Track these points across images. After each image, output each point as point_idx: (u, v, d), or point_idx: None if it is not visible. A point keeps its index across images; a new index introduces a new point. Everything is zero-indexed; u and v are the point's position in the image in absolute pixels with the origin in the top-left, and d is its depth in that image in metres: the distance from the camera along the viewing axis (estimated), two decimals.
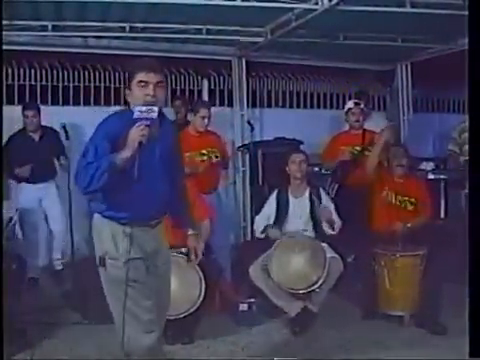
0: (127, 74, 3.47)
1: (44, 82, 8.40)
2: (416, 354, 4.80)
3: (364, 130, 7.02)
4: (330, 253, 5.46)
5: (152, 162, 3.40)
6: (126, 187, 3.29)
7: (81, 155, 3.38)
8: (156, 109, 3.22)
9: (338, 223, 5.78)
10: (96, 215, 3.57)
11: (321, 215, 5.73)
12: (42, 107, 7.25)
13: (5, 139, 6.71)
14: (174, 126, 3.73)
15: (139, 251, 3.47)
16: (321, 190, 5.96)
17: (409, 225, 5.75)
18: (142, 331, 3.47)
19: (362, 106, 7.15)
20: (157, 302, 3.61)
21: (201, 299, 5.03)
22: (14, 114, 7.22)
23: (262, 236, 5.83)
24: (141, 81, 3.32)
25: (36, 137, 7.08)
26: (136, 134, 3.16)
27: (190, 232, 4.03)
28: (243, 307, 5.61)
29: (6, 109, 7.40)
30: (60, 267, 7.25)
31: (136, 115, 3.21)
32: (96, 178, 3.20)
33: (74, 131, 7.25)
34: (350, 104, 7.15)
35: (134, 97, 3.37)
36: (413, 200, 5.93)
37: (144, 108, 3.21)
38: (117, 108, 7.47)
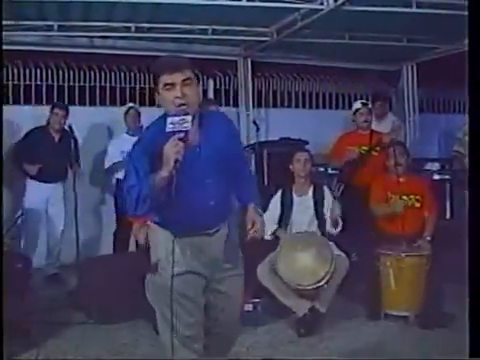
0: (152, 78, 3.24)
1: (50, 82, 8.41)
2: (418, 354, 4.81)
3: (372, 130, 7.01)
4: (336, 251, 5.45)
5: (199, 169, 3.19)
6: (175, 200, 3.02)
7: (123, 177, 3.28)
8: (189, 118, 2.97)
9: (340, 223, 5.78)
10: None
11: (330, 214, 5.70)
12: (47, 107, 7.26)
13: (5, 137, 6.74)
14: (222, 117, 3.50)
15: (194, 262, 3.32)
16: (325, 188, 5.95)
17: (428, 238, 5.77)
18: (181, 345, 3.34)
19: (370, 106, 7.15)
20: (221, 314, 3.53)
21: None
22: (21, 114, 7.25)
23: (269, 237, 5.80)
24: (166, 84, 3.10)
25: (56, 137, 7.12)
26: (170, 152, 2.91)
27: (251, 205, 3.55)
28: (248, 307, 5.60)
29: (12, 109, 7.48)
30: (54, 271, 7.23)
31: (168, 128, 2.99)
32: (140, 203, 3.07)
33: (80, 131, 7.28)
34: (358, 104, 7.13)
35: (164, 101, 3.15)
36: (419, 197, 5.92)
37: (176, 119, 2.98)
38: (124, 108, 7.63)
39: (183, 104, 3.04)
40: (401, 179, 5.91)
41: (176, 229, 3.25)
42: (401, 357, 4.79)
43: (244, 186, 3.53)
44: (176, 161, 2.90)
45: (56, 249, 7.24)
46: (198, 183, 3.20)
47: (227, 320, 3.61)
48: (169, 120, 3.00)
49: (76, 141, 7.01)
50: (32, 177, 7.01)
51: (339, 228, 5.69)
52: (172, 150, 2.91)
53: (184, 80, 3.09)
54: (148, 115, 7.73)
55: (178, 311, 3.29)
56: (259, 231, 3.38)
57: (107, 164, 7.53)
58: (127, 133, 7.55)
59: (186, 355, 3.36)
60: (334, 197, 5.93)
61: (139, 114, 7.55)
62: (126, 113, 7.53)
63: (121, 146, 7.41)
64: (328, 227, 5.72)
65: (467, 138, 6.07)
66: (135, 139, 7.48)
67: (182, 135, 2.94)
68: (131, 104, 7.85)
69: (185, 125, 2.96)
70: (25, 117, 7.42)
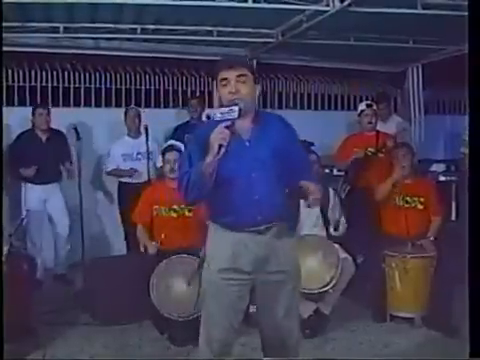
0: (213, 76, 3.44)
1: (55, 83, 8.42)
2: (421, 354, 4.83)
3: (377, 132, 7.01)
4: (342, 254, 5.44)
5: (246, 163, 3.29)
6: (223, 192, 3.23)
7: (178, 166, 3.42)
8: (236, 109, 3.12)
9: (343, 224, 5.77)
10: None
11: (331, 216, 5.71)
12: (53, 109, 7.28)
13: (7, 140, 6.76)
14: (280, 119, 3.55)
15: (239, 259, 3.33)
16: (330, 190, 5.93)
17: (432, 238, 5.75)
18: (205, 346, 3.42)
19: (374, 107, 7.15)
20: (272, 318, 3.52)
21: None
22: (25, 115, 7.27)
23: None
24: (222, 79, 3.29)
25: (44, 138, 7.08)
26: (215, 138, 3.07)
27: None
28: (253, 309, 5.59)
29: (17, 110, 7.50)
30: (62, 271, 7.24)
31: (217, 117, 3.17)
32: (190, 188, 3.20)
33: (85, 132, 7.29)
34: (363, 106, 7.15)
35: (220, 97, 3.35)
36: (422, 199, 5.90)
37: (225, 109, 3.16)
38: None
39: (234, 104, 3.16)
40: (408, 181, 5.92)
41: (223, 223, 3.34)
42: (406, 357, 4.81)
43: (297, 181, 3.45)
44: (220, 147, 3.04)
45: (63, 249, 7.25)
46: (244, 176, 3.27)
47: (276, 325, 3.54)
48: (219, 110, 3.17)
49: (66, 139, 7.02)
50: (27, 180, 6.96)
51: (341, 231, 5.70)
52: (217, 136, 3.06)
53: (238, 76, 3.25)
54: (154, 117, 7.79)
55: (214, 310, 3.36)
56: (313, 199, 3.40)
57: (109, 167, 7.52)
58: (128, 135, 7.55)
59: (207, 356, 3.40)
60: (340, 199, 5.93)
61: (139, 115, 7.55)
62: (125, 114, 7.54)
63: (122, 149, 7.42)
64: (331, 230, 5.73)
65: None
66: (136, 141, 7.59)
67: (229, 123, 3.10)
68: (131, 106, 7.90)
69: (232, 114, 3.11)
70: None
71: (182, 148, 5.88)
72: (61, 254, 7.25)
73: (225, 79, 3.26)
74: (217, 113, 3.19)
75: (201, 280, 3.49)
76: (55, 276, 7.16)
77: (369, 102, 7.33)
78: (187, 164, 3.30)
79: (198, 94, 9.01)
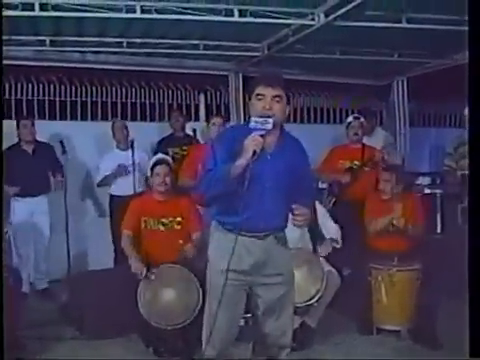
0: (248, 87, 3.69)
1: (41, 97, 8.41)
2: None
3: (363, 145, 7.03)
4: (327, 267, 5.44)
5: (263, 173, 3.48)
6: (235, 195, 3.38)
7: (203, 163, 3.65)
8: (271, 121, 3.36)
9: (338, 233, 5.79)
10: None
11: (322, 249, 5.70)
12: (39, 121, 7.25)
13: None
14: (301, 146, 3.82)
15: (239, 261, 3.53)
16: (316, 203, 5.92)
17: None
18: (207, 341, 3.62)
19: (362, 120, 7.17)
20: (264, 323, 3.74)
21: (198, 309, 4.94)
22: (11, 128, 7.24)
23: None
24: (259, 94, 3.49)
25: (30, 150, 7.02)
26: (250, 143, 3.30)
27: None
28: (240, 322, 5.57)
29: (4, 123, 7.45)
30: (44, 286, 7.16)
31: (252, 125, 3.38)
32: (212, 185, 3.43)
33: (71, 146, 7.26)
34: (350, 118, 7.18)
35: (253, 109, 3.53)
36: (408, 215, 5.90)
37: (260, 119, 3.38)
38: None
39: (268, 116, 3.40)
40: (385, 197, 5.92)
41: (226, 223, 3.57)
42: None
43: (300, 200, 3.68)
44: (254, 152, 3.29)
45: (43, 263, 7.18)
46: (259, 185, 3.47)
47: (269, 330, 3.78)
48: (253, 119, 3.43)
49: (54, 151, 7.00)
50: (15, 194, 6.89)
51: (339, 244, 5.72)
52: (252, 142, 3.31)
53: (275, 96, 3.49)
54: (140, 130, 7.77)
55: (214, 308, 3.53)
56: (301, 220, 3.57)
57: (99, 179, 7.47)
58: (118, 147, 7.51)
59: (209, 352, 3.62)
60: (327, 212, 5.93)
61: (126, 126, 7.52)
62: (112, 126, 7.51)
63: (113, 161, 7.37)
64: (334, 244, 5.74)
65: (459, 151, 6.12)
66: (127, 153, 7.51)
67: (263, 132, 3.35)
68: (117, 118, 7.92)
69: (267, 125, 3.37)
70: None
71: (171, 162, 5.88)
72: (41, 267, 7.18)
73: (262, 95, 3.48)
74: (252, 121, 3.41)
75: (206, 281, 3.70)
76: (39, 290, 7.10)
77: (356, 115, 7.37)
78: (212, 163, 3.50)
79: (184, 107, 9.04)
